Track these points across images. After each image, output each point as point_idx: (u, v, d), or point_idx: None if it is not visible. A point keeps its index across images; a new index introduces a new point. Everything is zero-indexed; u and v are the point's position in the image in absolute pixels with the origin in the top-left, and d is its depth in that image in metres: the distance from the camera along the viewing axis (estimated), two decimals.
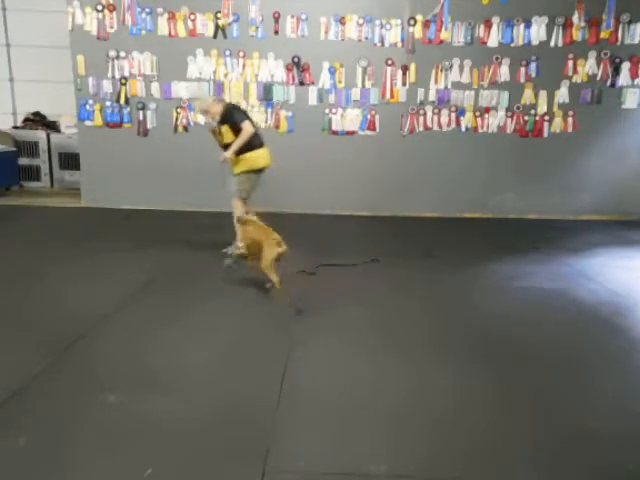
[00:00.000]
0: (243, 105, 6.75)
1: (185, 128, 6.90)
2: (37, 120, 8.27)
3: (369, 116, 6.82)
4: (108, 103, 6.82)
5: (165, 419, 2.26)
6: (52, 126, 8.22)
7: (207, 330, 3.21)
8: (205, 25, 6.62)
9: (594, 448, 2.16)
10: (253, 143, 4.57)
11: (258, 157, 4.60)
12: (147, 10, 6.59)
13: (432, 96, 6.77)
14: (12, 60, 8.53)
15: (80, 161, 7.08)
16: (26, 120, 8.31)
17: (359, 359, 2.88)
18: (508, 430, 2.27)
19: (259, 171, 4.68)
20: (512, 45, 6.62)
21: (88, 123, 6.87)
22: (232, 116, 4.58)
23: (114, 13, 6.59)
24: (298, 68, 6.71)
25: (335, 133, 6.88)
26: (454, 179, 6.95)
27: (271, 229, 3.84)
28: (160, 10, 6.58)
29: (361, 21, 6.59)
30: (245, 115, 4.63)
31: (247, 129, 4.47)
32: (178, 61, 6.69)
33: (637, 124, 6.80)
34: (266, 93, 6.78)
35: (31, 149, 7.93)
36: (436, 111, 6.81)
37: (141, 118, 6.86)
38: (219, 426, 2.23)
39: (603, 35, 6.53)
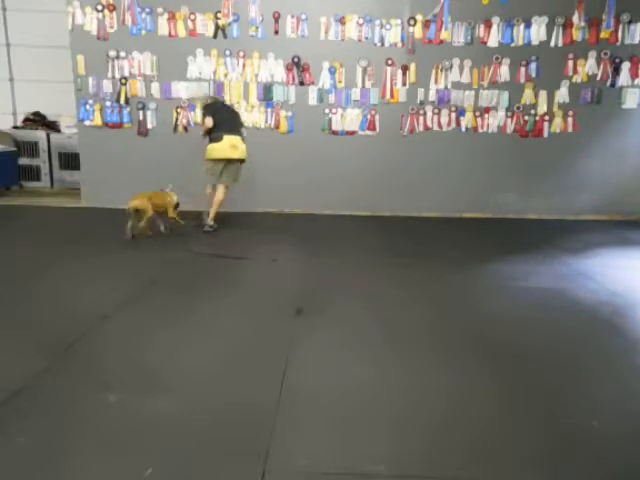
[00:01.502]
0: (243, 105, 6.78)
1: (185, 128, 6.90)
2: (37, 120, 8.28)
3: (369, 116, 6.83)
4: (108, 103, 6.83)
5: (165, 419, 2.26)
6: (52, 126, 8.23)
7: (207, 330, 3.21)
8: (205, 25, 6.63)
9: (594, 448, 2.16)
10: (211, 136, 5.54)
11: (212, 149, 5.54)
12: (147, 10, 6.60)
13: (432, 96, 6.77)
14: (12, 60, 8.55)
15: (80, 161, 7.09)
16: (26, 120, 8.32)
17: (359, 359, 2.88)
18: (508, 430, 2.27)
19: (216, 161, 5.56)
20: (512, 45, 6.62)
21: (88, 123, 6.87)
22: (203, 112, 5.65)
23: (114, 13, 6.60)
24: (298, 68, 6.71)
25: (335, 133, 6.89)
26: (454, 179, 6.95)
27: (146, 197, 5.12)
28: (160, 10, 6.59)
29: (361, 21, 6.60)
30: (210, 112, 5.53)
31: (205, 123, 5.52)
32: (178, 61, 6.69)
33: (637, 124, 6.80)
34: (266, 93, 6.79)
35: (31, 149, 7.94)
36: (436, 111, 6.81)
37: (141, 118, 6.86)
38: (219, 426, 2.23)
39: (603, 35, 6.54)
